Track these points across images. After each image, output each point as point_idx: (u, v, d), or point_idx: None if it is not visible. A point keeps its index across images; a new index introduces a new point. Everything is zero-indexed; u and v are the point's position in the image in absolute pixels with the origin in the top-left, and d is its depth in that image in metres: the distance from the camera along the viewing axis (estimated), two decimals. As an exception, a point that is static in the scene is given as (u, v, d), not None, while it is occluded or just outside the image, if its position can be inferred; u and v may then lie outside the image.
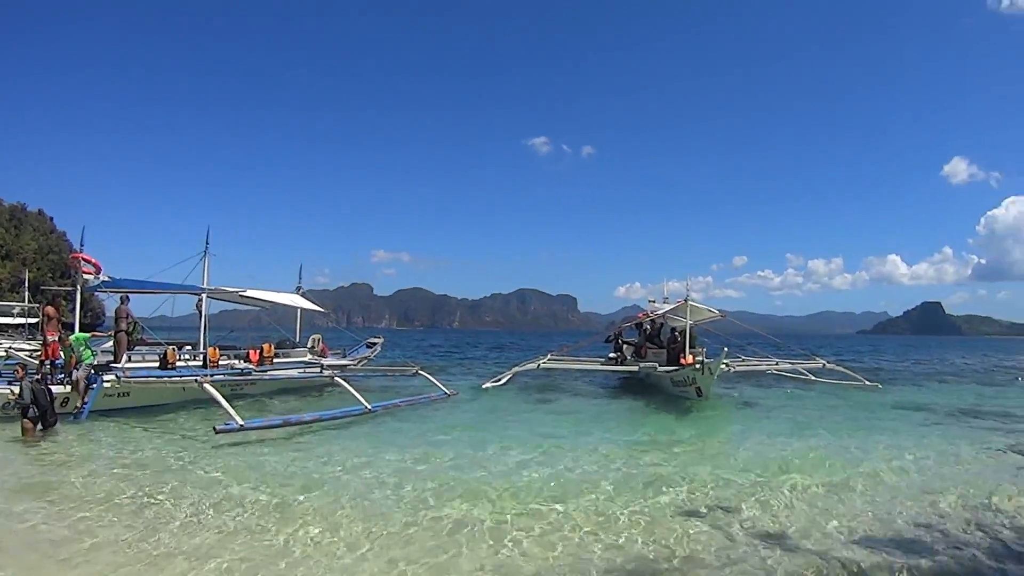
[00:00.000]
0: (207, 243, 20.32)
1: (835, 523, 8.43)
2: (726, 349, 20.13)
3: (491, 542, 7.55)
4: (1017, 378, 36.37)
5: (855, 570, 6.88)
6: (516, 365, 26.50)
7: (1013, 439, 15.04)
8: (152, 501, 8.83)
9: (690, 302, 22.64)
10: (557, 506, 8.98)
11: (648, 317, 26.79)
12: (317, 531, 7.68)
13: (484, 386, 23.31)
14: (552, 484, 10.25)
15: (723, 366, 20.08)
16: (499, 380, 24.00)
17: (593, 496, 9.57)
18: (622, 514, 8.69)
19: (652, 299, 28.82)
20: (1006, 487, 10.39)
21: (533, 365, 25.22)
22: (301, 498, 9.04)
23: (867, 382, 26.15)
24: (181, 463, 11.17)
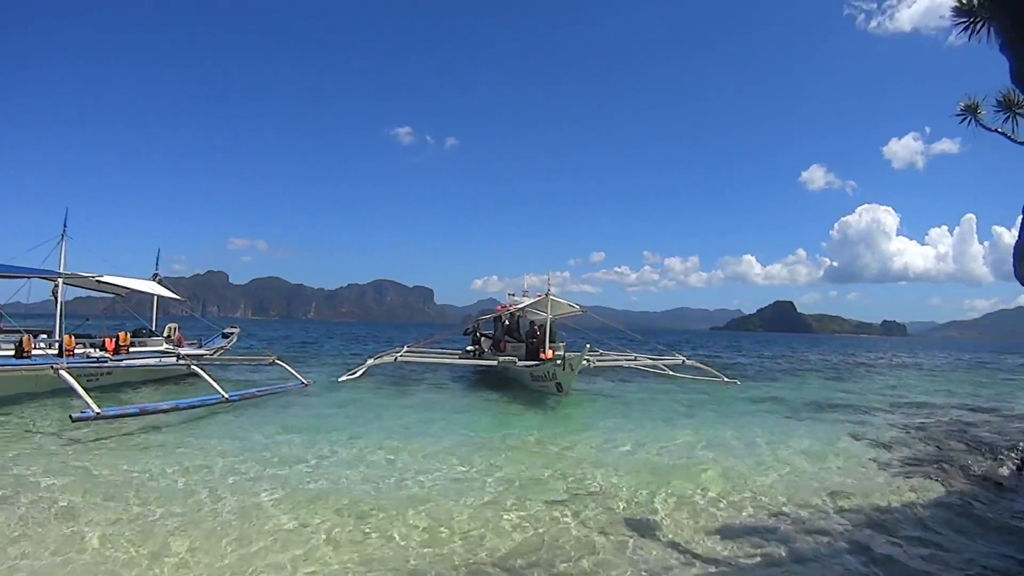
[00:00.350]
0: (64, 226, 20.40)
1: (696, 516, 9.40)
2: (588, 345, 21.63)
3: (346, 546, 7.93)
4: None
5: (718, 561, 7.75)
6: (371, 357, 26.82)
7: (863, 429, 17.25)
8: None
9: (551, 296, 24.03)
10: (416, 507, 9.41)
11: (507, 310, 28.12)
12: (184, 545, 7.73)
13: (340, 379, 23.55)
14: (405, 482, 10.82)
15: (584, 361, 21.51)
16: (354, 373, 24.08)
17: (446, 494, 10.12)
18: (467, 513, 9.27)
19: (511, 292, 29.97)
20: (861, 477, 11.98)
21: (390, 358, 25.71)
22: (164, 510, 8.95)
23: (726, 378, 28.08)
24: (32, 462, 11.17)
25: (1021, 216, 11.26)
